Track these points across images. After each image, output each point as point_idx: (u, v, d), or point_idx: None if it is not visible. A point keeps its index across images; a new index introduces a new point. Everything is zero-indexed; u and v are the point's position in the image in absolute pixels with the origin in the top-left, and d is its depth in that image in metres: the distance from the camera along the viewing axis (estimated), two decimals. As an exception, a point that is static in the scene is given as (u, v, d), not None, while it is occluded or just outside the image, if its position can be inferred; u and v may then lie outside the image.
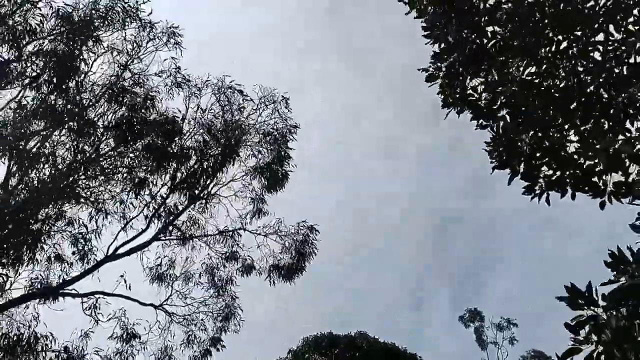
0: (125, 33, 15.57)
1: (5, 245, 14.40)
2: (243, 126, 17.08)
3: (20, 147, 14.74)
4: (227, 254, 18.23)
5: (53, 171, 15.29)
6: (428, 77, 7.90)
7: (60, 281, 15.47)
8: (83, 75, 14.49)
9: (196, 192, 17.39)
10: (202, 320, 18.23)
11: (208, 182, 17.61)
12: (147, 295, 17.04)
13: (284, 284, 18.09)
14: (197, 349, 18.10)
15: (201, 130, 16.72)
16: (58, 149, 14.72)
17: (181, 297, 18.04)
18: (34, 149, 14.89)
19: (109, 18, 14.98)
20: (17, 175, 14.95)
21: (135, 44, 15.90)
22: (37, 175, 15.07)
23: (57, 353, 14.34)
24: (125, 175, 15.86)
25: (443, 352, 43.27)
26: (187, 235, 17.68)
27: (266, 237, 18.09)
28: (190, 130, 16.60)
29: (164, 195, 16.81)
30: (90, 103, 15.11)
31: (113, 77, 15.55)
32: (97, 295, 15.96)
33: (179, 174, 16.80)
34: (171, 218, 17.12)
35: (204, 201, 17.84)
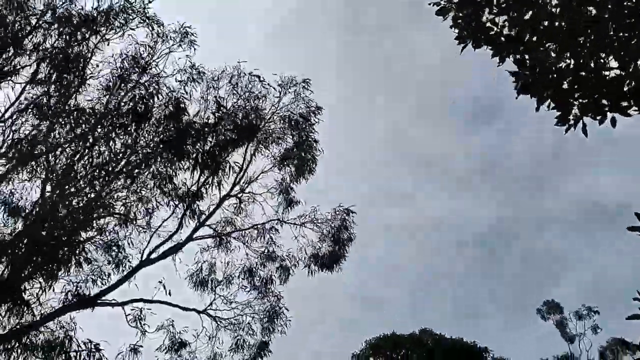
0: (136, 37, 15.52)
1: (41, 259, 14.44)
2: (264, 113, 16.62)
3: (51, 161, 14.86)
4: (266, 251, 17.70)
5: (83, 184, 15.37)
6: (439, 10, 7.17)
7: (97, 291, 15.27)
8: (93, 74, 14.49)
9: (228, 188, 17.01)
10: (248, 323, 17.68)
11: (238, 178, 17.19)
12: (184, 300, 16.65)
13: (326, 275, 17.40)
14: (247, 354, 17.56)
15: (224, 122, 16.31)
16: (82, 154, 14.74)
17: (225, 301, 17.56)
18: (62, 159, 14.96)
19: (118, 21, 14.99)
20: (48, 191, 15.03)
21: (148, 47, 15.79)
22: (69, 191, 15.17)
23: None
24: (153, 176, 15.65)
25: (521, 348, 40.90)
26: (222, 233, 17.25)
27: (302, 226, 17.48)
28: (211, 122, 16.21)
29: (193, 194, 16.44)
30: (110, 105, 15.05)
31: (130, 81, 15.47)
32: (137, 304, 15.69)
33: (206, 172, 16.45)
34: (203, 217, 16.73)
35: (236, 200, 17.43)
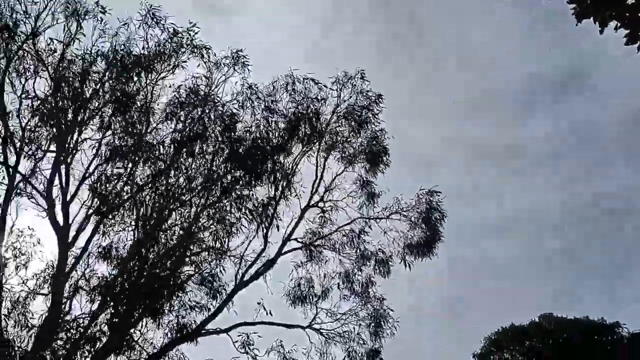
0: (191, 69, 15.89)
1: (145, 300, 14.72)
2: (326, 114, 16.43)
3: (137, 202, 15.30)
4: (358, 253, 17.19)
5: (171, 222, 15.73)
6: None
7: (199, 321, 15.28)
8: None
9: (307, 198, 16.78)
10: (358, 334, 17.07)
11: (315, 186, 16.94)
12: (284, 317, 16.29)
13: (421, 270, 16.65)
14: (360, 364, 16.92)
15: (289, 134, 16.25)
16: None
17: (329, 313, 17.06)
18: (147, 198, 15.38)
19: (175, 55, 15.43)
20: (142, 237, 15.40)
21: (204, 77, 16.11)
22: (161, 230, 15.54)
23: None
24: (231, 197, 15.73)
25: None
26: (311, 244, 16.95)
27: (388, 219, 16.87)
28: (276, 135, 16.17)
29: (273, 209, 16.32)
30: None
31: (193, 110, 15.80)
32: (240, 329, 15.55)
33: (280, 186, 16.33)
34: (288, 232, 16.52)
35: (317, 208, 17.13)
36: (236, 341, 15.46)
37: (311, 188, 16.87)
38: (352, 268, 17.32)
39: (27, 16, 13.85)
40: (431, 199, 16.56)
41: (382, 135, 16.65)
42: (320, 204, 17.17)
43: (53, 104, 14.89)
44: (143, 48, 14.89)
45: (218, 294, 15.69)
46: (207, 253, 16.29)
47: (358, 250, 17.16)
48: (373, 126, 16.53)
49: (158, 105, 15.28)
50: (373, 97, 16.41)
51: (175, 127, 15.33)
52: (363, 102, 16.42)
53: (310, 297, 17.23)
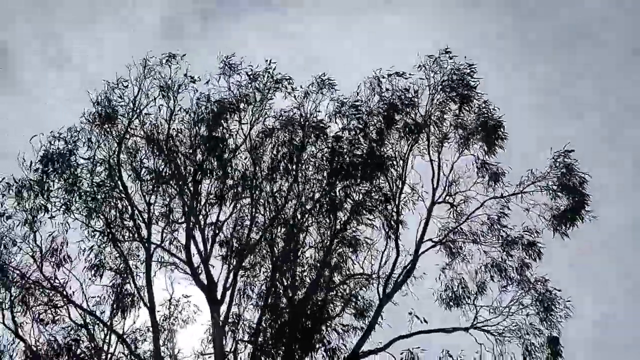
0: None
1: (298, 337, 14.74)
2: (423, 104, 15.69)
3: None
4: (501, 239, 15.83)
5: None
6: None
7: (351, 345, 14.83)
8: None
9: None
10: (530, 323, 15.53)
11: (435, 181, 16.05)
12: (439, 322, 15.28)
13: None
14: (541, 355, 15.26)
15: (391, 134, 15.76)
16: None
17: (490, 309, 15.76)
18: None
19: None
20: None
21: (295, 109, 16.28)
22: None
23: None
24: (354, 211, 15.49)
25: None
26: (448, 241, 15.96)
27: (523, 195, 15.44)
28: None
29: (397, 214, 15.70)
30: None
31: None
32: (397, 343, 14.83)
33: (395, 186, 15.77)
34: (420, 234, 15.69)
35: (444, 203, 16.17)
36: (401, 357, 14.84)
37: (432, 184, 16.02)
38: (500, 256, 15.98)
39: (124, 100, 15.12)
40: (567, 160, 14.99)
41: (489, 108, 15.49)
42: (447, 198, 16.23)
43: (171, 175, 15.79)
44: (231, 96, 15.48)
45: (365, 312, 15.24)
46: (350, 280, 16.08)
47: (501, 237, 15.87)
48: (476, 101, 15.52)
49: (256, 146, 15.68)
50: (466, 70, 15.43)
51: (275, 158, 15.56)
52: (457, 78, 15.49)
53: (466, 296, 16.12)
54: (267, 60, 15.82)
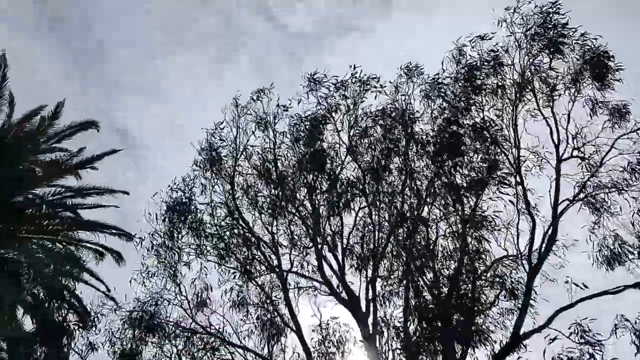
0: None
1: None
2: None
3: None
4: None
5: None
6: None
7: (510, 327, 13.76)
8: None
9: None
10: None
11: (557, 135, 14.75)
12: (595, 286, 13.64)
13: None
14: None
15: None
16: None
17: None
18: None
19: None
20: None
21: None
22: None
23: None
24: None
25: None
26: (587, 196, 14.51)
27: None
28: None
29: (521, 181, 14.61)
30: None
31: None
32: (560, 318, 13.47)
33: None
34: (553, 195, 14.40)
35: (576, 159, 14.80)
36: (571, 333, 13.39)
37: (552, 141, 14.76)
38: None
39: (225, 141, 15.83)
40: None
41: (592, 43, 14.16)
42: (574, 152, 14.85)
43: (286, 201, 16.04)
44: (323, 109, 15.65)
45: (515, 292, 14.16)
46: (496, 263, 15.11)
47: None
48: (573, 39, 14.22)
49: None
50: (551, 10, 14.27)
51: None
52: (545, 21, 14.35)
53: (627, 251, 14.38)
54: (350, 66, 15.89)
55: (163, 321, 14.78)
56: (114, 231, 17.78)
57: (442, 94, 15.14)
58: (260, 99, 16.11)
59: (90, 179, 17.34)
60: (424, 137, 15.28)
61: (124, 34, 31.09)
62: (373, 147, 15.40)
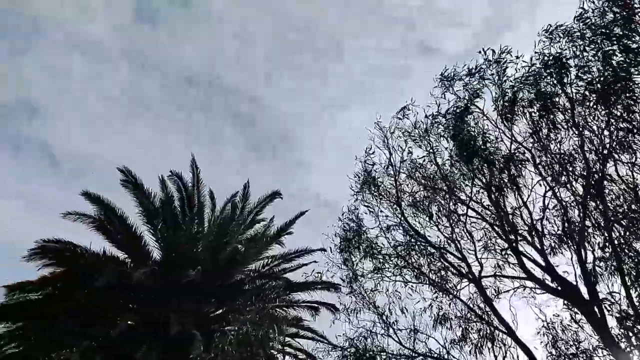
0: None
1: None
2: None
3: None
4: None
5: None
6: None
7: None
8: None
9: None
10: None
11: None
12: None
13: None
14: None
15: None
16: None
17: None
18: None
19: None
20: None
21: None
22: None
23: None
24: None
25: None
26: None
27: None
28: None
29: None
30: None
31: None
32: None
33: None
34: None
35: None
36: None
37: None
38: None
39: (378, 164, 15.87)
40: None
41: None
42: None
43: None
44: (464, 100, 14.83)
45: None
46: None
47: None
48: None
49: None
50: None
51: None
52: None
53: None
54: (479, 52, 15.00)
55: (376, 353, 14.63)
56: (321, 286, 18.86)
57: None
58: (405, 116, 16.00)
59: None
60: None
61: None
62: (528, 112, 13.84)
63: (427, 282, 14.64)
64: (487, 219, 14.69)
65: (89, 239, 17.54)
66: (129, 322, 16.97)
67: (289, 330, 18.50)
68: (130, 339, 16.00)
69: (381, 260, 14.99)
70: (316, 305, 18.78)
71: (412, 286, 14.77)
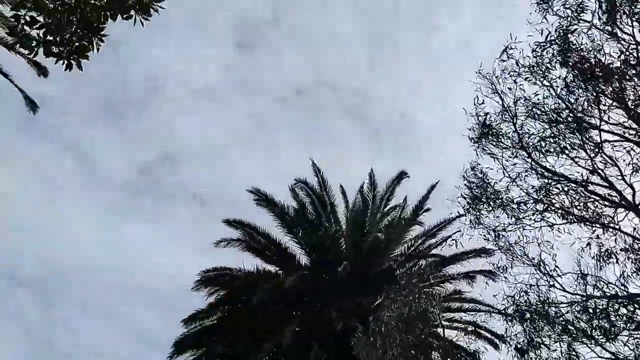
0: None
1: None
2: None
3: None
4: None
5: None
6: None
7: None
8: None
9: None
10: None
11: None
12: None
13: None
14: None
15: None
16: None
17: None
18: None
19: None
20: None
21: None
22: None
23: None
24: None
25: None
26: None
27: None
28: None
29: None
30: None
31: None
32: None
33: None
34: None
35: None
36: None
37: None
38: None
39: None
40: None
41: None
42: None
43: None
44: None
45: None
46: None
47: None
48: None
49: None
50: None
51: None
52: None
53: None
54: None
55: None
56: (472, 255, 18.16)
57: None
58: (510, 57, 14.91)
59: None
60: None
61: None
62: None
63: (577, 220, 13.40)
64: (631, 138, 13.19)
65: (234, 261, 18.66)
66: (296, 329, 17.67)
67: (451, 305, 18.07)
68: (299, 344, 16.67)
69: (518, 210, 14.02)
70: (472, 274, 18.13)
71: (558, 228, 13.62)
